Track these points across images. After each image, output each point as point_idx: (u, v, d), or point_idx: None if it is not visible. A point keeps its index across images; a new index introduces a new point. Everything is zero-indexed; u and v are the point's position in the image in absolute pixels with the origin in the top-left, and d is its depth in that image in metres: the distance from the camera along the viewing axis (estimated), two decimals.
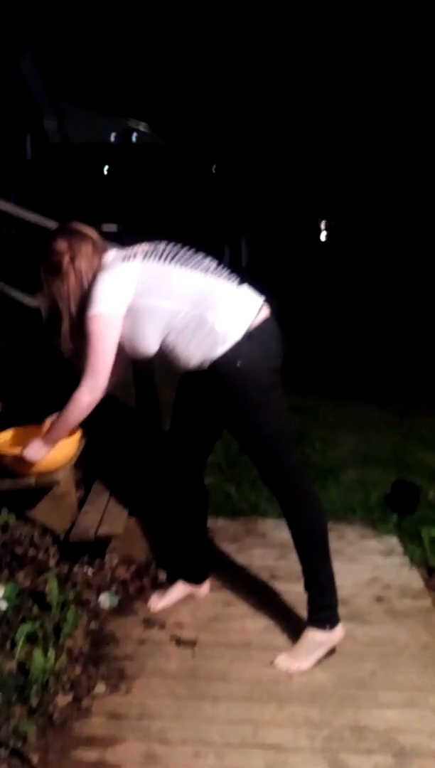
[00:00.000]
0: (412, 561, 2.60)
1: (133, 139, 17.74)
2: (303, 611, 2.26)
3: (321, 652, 2.03)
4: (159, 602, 2.30)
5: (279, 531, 2.79)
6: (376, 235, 15.30)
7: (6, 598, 2.09)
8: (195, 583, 2.35)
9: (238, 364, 1.92)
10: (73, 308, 2.05)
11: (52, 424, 2.16)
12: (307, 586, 2.09)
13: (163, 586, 2.36)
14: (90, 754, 1.71)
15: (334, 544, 2.69)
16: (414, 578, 2.50)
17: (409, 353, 5.82)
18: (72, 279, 2.03)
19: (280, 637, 2.13)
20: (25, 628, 1.98)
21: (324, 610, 2.06)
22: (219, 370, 1.94)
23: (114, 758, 1.70)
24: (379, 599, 2.37)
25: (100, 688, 1.94)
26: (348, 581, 2.46)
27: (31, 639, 1.98)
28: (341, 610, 2.28)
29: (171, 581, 2.37)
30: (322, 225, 13.47)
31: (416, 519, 2.87)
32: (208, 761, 1.70)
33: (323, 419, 3.91)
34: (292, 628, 2.17)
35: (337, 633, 2.05)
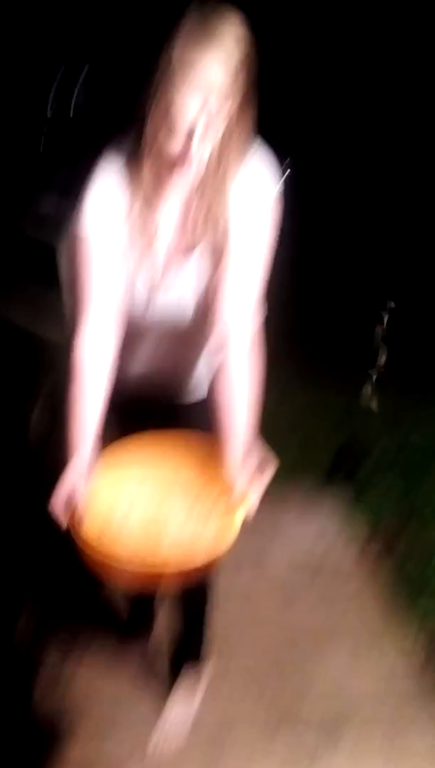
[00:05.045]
0: (348, 540, 2.66)
1: (71, 112, 17.17)
2: (239, 599, 2.32)
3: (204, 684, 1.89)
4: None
5: None
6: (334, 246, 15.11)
7: None
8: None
9: None
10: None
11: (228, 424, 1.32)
12: (194, 644, 1.89)
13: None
14: None
15: (271, 526, 2.69)
16: (350, 558, 2.56)
17: (361, 316, 5.68)
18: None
19: (217, 628, 2.16)
20: None
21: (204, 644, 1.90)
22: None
23: None
24: (314, 581, 2.43)
25: (45, 672, 1.98)
26: (284, 565, 2.51)
27: None
28: (277, 596, 2.37)
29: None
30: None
31: (354, 493, 2.89)
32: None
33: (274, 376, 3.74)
34: (230, 618, 2.22)
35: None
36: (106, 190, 1.30)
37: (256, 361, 1.36)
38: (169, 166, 1.25)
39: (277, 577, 2.49)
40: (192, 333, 1.43)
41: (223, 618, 2.20)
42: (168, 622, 1.97)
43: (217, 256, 1.33)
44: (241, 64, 1.17)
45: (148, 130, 1.21)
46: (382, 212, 5.79)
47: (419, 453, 3.24)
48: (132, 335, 1.42)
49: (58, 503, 1.22)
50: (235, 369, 1.33)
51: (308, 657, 2.09)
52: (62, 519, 1.22)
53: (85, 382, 1.29)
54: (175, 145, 1.21)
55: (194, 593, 1.80)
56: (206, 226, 1.32)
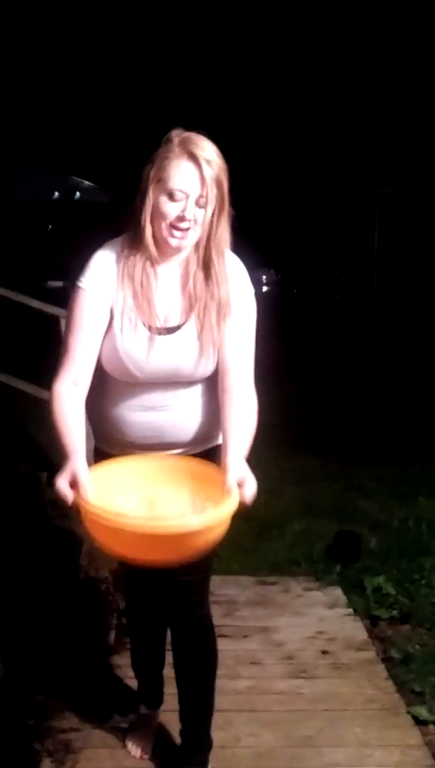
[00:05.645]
0: (356, 612, 2.65)
1: (77, 196, 17.96)
2: (250, 669, 2.28)
3: None
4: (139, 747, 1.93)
5: (225, 588, 2.81)
6: (316, 284, 15.78)
7: None
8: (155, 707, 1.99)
9: None
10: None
11: (232, 436, 1.42)
12: (198, 723, 1.79)
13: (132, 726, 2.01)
14: None
15: (279, 597, 2.77)
16: (358, 629, 2.53)
17: (348, 404, 5.97)
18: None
19: (225, 698, 2.11)
20: None
21: (208, 739, 1.82)
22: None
23: None
24: (324, 653, 2.39)
25: (46, 764, 1.89)
26: (294, 636, 2.49)
27: None
28: (287, 666, 2.32)
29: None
30: (263, 278, 13.84)
31: (359, 569, 2.92)
32: None
33: (267, 471, 3.96)
34: (239, 687, 2.18)
35: None
36: (110, 252, 1.49)
37: (253, 404, 1.50)
38: (169, 230, 1.41)
39: (287, 644, 2.43)
40: (192, 384, 1.53)
41: (232, 687, 2.15)
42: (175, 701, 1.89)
43: (218, 315, 1.47)
44: (224, 163, 1.41)
45: (150, 196, 1.41)
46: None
47: (419, 530, 3.29)
48: (134, 385, 1.52)
49: (62, 480, 1.31)
50: (238, 396, 1.48)
51: (321, 729, 2.02)
52: (67, 493, 1.30)
53: (66, 405, 1.43)
54: (174, 209, 1.40)
55: (198, 659, 1.77)
56: (207, 282, 1.47)
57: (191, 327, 1.48)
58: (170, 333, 1.48)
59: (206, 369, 1.51)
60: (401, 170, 14.58)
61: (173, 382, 1.52)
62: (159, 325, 1.47)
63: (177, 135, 1.41)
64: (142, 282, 1.46)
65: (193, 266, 1.48)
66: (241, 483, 1.33)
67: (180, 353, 1.48)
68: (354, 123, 14.89)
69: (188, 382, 1.53)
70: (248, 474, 1.35)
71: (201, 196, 1.40)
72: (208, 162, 1.38)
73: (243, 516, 3.48)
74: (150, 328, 1.47)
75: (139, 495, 1.38)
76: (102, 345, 1.49)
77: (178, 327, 1.48)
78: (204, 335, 1.47)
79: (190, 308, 1.48)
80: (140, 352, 1.47)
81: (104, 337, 1.48)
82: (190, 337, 1.48)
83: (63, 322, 3.72)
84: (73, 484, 1.30)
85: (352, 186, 16.03)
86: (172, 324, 1.49)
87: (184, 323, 1.48)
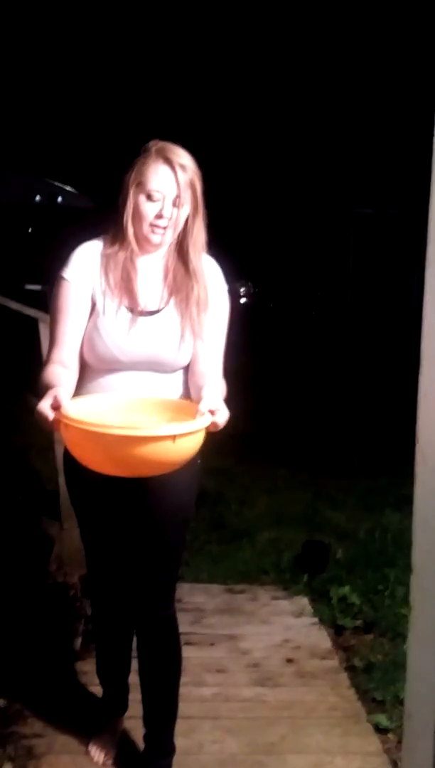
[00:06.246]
0: (322, 621, 2.68)
1: (59, 200, 17.88)
2: (215, 676, 2.29)
3: None
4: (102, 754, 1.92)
5: (194, 596, 2.83)
6: (292, 298, 15.95)
7: None
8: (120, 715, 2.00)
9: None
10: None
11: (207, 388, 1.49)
12: (161, 726, 1.80)
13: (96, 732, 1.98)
14: None
15: (247, 606, 2.80)
16: (323, 638, 2.57)
17: (319, 417, 6.05)
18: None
19: (190, 705, 2.12)
20: None
21: (171, 744, 1.84)
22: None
23: None
24: (289, 661, 2.41)
25: None
26: (260, 644, 2.51)
27: None
28: (252, 674, 2.34)
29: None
30: (241, 289, 13.96)
31: (325, 578, 2.96)
32: None
33: (238, 480, 4.00)
34: (204, 695, 2.19)
35: None
36: (92, 246, 1.60)
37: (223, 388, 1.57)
38: (150, 228, 1.54)
39: (252, 652, 2.45)
40: (169, 373, 1.60)
41: (197, 694, 2.16)
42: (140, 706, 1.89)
43: (197, 308, 1.58)
44: (198, 169, 1.54)
45: (131, 198, 1.54)
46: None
47: (385, 542, 3.34)
48: (111, 373, 1.58)
49: (44, 403, 1.37)
50: (210, 377, 1.57)
51: (284, 736, 2.04)
52: (48, 413, 1.36)
53: (55, 370, 1.51)
54: (152, 209, 1.53)
55: (163, 660, 1.79)
56: (187, 277, 1.59)
57: (172, 311, 1.59)
58: (151, 315, 1.57)
59: (185, 357, 1.59)
60: (377, 191, 14.86)
61: (151, 369, 1.58)
62: (140, 308, 1.57)
63: (154, 144, 1.55)
64: (123, 273, 1.56)
65: (173, 262, 1.61)
66: (213, 411, 1.40)
67: (161, 336, 1.57)
68: (333, 145, 15.15)
69: (165, 372, 1.60)
70: (222, 406, 1.42)
71: (177, 197, 1.53)
72: (182, 167, 1.52)
73: (214, 524, 3.51)
74: (132, 311, 1.56)
75: (116, 421, 1.44)
76: (84, 332, 1.56)
77: (159, 310, 1.58)
78: (183, 321, 1.57)
79: (170, 295, 1.59)
80: (122, 332, 1.55)
81: (87, 324, 1.56)
82: (170, 320, 1.58)
83: (41, 326, 3.74)
84: (54, 408, 1.36)
85: (329, 205, 16.27)
86: (153, 308, 1.58)
87: (164, 307, 1.59)
